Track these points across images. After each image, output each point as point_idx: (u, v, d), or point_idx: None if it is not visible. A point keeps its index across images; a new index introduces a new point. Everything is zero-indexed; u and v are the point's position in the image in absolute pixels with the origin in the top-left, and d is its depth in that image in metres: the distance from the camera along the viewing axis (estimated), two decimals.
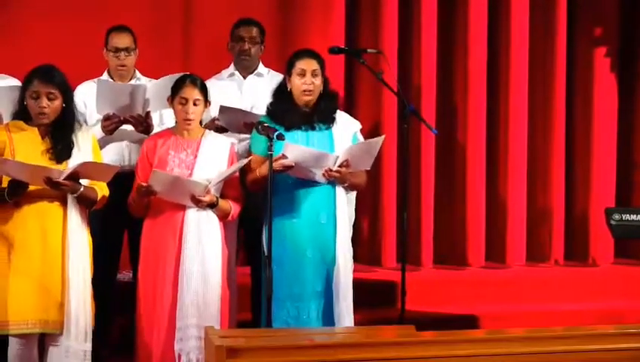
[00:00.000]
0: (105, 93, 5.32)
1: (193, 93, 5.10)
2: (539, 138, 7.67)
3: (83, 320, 4.81)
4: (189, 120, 5.11)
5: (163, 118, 5.61)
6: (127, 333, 5.26)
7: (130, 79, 5.70)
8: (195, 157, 5.14)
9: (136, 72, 5.75)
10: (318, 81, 5.28)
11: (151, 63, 6.13)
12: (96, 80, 5.62)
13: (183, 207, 5.07)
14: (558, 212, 7.68)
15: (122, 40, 5.63)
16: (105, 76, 5.71)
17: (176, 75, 5.22)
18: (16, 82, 5.27)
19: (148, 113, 5.39)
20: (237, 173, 5.21)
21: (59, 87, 4.82)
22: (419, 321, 4.76)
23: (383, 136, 5.42)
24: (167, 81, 5.29)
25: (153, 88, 5.38)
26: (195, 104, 5.10)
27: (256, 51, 5.94)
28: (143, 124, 5.39)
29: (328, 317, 5.22)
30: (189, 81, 5.14)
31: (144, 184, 4.97)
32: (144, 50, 5.86)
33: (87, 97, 5.46)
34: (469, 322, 6.39)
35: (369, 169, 5.38)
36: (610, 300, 6.93)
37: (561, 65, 7.61)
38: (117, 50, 5.61)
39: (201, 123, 5.26)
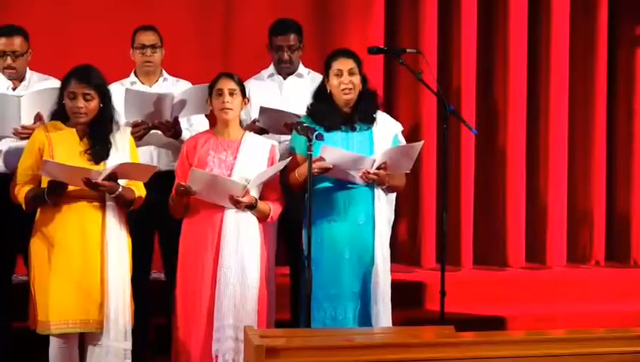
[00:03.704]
0: (132, 101, 5.35)
1: (228, 84, 5.12)
2: (579, 138, 7.63)
3: (122, 319, 4.84)
4: (227, 109, 5.11)
5: (192, 121, 5.63)
6: (163, 333, 5.28)
7: (157, 79, 5.74)
8: (235, 157, 5.14)
9: (163, 71, 5.78)
10: (356, 79, 5.27)
11: (191, 63, 6.18)
12: (122, 82, 5.67)
13: (222, 208, 5.07)
14: (599, 212, 7.63)
15: (148, 37, 5.68)
16: (132, 77, 5.75)
17: (205, 85, 5.25)
18: (58, 83, 5.30)
19: (176, 119, 5.42)
20: (277, 175, 5.22)
21: (96, 88, 4.85)
22: (458, 322, 4.75)
23: (422, 142, 5.40)
24: (195, 90, 5.36)
25: (180, 96, 5.39)
26: (231, 94, 5.11)
27: (296, 57, 5.95)
28: (171, 130, 5.42)
29: (365, 318, 5.21)
30: (224, 75, 5.19)
31: (182, 183, 5.00)
32: (184, 51, 5.89)
33: (115, 100, 5.46)
34: (508, 323, 6.36)
35: (408, 172, 5.37)
36: None
37: (602, 65, 7.56)
38: (143, 46, 5.66)
39: (241, 124, 5.28)
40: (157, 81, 5.75)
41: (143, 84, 5.72)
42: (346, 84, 5.24)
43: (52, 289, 4.76)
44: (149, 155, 5.59)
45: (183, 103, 5.39)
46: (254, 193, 5.11)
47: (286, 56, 5.90)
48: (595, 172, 7.62)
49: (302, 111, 5.41)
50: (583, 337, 4.37)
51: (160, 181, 5.19)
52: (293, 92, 5.90)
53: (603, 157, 7.65)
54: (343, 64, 5.26)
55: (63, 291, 4.76)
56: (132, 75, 5.76)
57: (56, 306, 4.75)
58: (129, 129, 5.21)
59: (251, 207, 5.08)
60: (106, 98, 4.91)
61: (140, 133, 5.39)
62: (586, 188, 7.66)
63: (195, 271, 5.08)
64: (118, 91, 5.46)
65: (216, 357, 4.99)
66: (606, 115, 7.63)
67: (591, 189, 7.63)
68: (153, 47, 5.67)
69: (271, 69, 5.99)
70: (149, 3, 6.83)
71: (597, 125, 7.59)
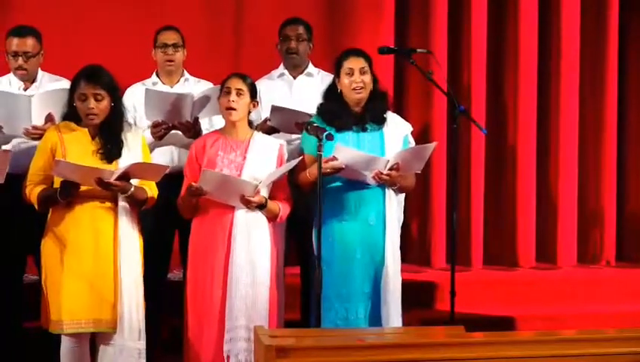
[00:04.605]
0: (152, 101, 5.36)
1: (236, 84, 5.12)
2: (590, 137, 7.62)
3: (136, 319, 4.86)
4: (231, 108, 5.11)
5: (212, 121, 5.63)
6: (178, 333, 5.29)
7: (179, 79, 5.76)
8: (244, 158, 5.15)
9: (185, 72, 5.80)
10: (367, 78, 5.28)
11: (202, 63, 6.18)
12: (144, 82, 5.69)
13: (232, 208, 5.08)
14: (610, 212, 7.62)
15: (170, 36, 5.71)
16: (153, 77, 5.77)
17: None
18: (70, 84, 5.33)
19: (196, 119, 5.43)
20: (286, 175, 5.23)
21: (105, 88, 4.85)
22: (468, 322, 4.75)
23: (435, 143, 5.41)
24: (215, 90, 5.34)
25: (200, 96, 5.40)
26: (238, 94, 5.11)
27: (304, 49, 5.96)
28: (191, 130, 5.43)
29: (376, 318, 5.21)
30: (235, 75, 5.20)
31: (194, 184, 5.00)
32: (195, 51, 5.91)
33: (137, 100, 5.50)
34: (519, 323, 6.35)
35: (419, 173, 5.37)
36: None
37: (613, 63, 7.55)
38: (165, 45, 5.68)
39: (250, 125, 5.29)
40: (178, 81, 5.76)
41: (164, 84, 5.74)
42: (357, 83, 5.25)
43: (64, 289, 4.77)
44: (169, 155, 5.61)
45: (203, 103, 5.40)
46: (264, 193, 5.12)
47: (293, 44, 5.90)
48: (605, 171, 7.60)
49: (312, 110, 5.41)
50: (594, 337, 4.37)
51: (180, 179, 5.20)
52: (303, 91, 5.90)
53: (614, 157, 7.63)
54: (355, 63, 5.27)
55: (76, 291, 4.77)
56: (154, 75, 5.78)
57: (68, 306, 4.77)
58: (141, 129, 5.23)
59: (261, 206, 5.09)
60: (116, 97, 4.92)
61: (160, 134, 5.40)
62: (596, 187, 7.64)
63: (205, 272, 5.09)
64: (139, 91, 5.49)
65: (228, 357, 5.00)
66: (617, 114, 7.61)
67: (602, 189, 7.62)
68: (175, 45, 5.69)
69: (281, 68, 6.00)
70: (160, 3, 6.84)
71: (607, 124, 7.58)
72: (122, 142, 4.91)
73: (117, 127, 4.91)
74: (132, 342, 4.85)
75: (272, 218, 5.16)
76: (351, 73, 5.26)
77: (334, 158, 5.07)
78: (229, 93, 5.11)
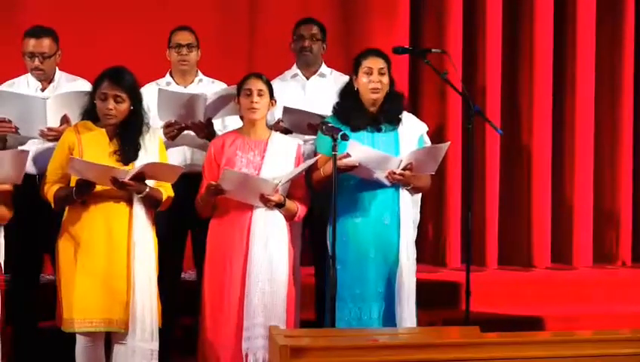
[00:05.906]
0: (165, 101, 5.37)
1: (257, 84, 5.14)
2: (605, 137, 7.60)
3: (149, 320, 4.86)
4: (254, 109, 5.13)
5: (226, 122, 5.64)
6: (191, 333, 5.29)
7: (193, 79, 5.77)
8: (263, 158, 5.16)
9: (199, 72, 5.81)
10: (385, 79, 5.27)
11: (216, 63, 6.19)
12: (158, 82, 5.70)
13: (250, 207, 5.09)
14: (626, 213, 7.60)
15: (184, 36, 5.72)
16: (167, 77, 5.78)
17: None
18: (87, 83, 5.34)
19: (209, 120, 5.43)
20: (303, 174, 5.24)
21: (127, 90, 4.87)
22: (484, 322, 4.72)
23: (448, 143, 5.40)
24: (229, 91, 5.36)
25: (213, 97, 5.41)
26: (259, 95, 5.14)
27: (317, 49, 5.96)
28: (204, 130, 5.43)
29: (390, 318, 5.21)
30: (253, 75, 5.22)
31: (214, 183, 5.01)
32: (209, 51, 5.93)
33: (150, 100, 5.50)
34: (534, 323, 6.34)
35: (433, 173, 5.36)
36: None
37: (629, 63, 7.54)
38: (179, 45, 5.69)
39: (267, 124, 5.29)
40: (192, 81, 5.77)
41: (178, 84, 5.75)
42: (375, 83, 5.25)
43: (77, 288, 4.79)
44: (182, 155, 5.62)
45: (216, 104, 5.40)
46: (282, 192, 5.12)
47: (307, 43, 5.91)
48: (621, 171, 7.58)
49: (325, 111, 5.41)
50: (609, 338, 4.36)
51: (193, 179, 5.21)
52: (316, 92, 5.91)
53: (629, 157, 7.61)
54: (374, 63, 5.27)
55: (88, 290, 4.79)
56: (167, 75, 5.79)
57: (80, 305, 4.78)
58: (159, 131, 5.24)
59: (280, 205, 5.10)
60: (137, 100, 4.93)
61: (172, 134, 5.41)
62: (612, 187, 7.62)
63: (223, 271, 5.09)
64: (153, 91, 5.49)
65: (247, 355, 5.00)
66: (632, 113, 7.59)
67: (617, 189, 7.60)
68: (189, 46, 5.70)
69: (294, 69, 6.01)
70: (174, 3, 6.86)
71: (623, 123, 7.56)
72: (139, 144, 4.92)
73: (135, 130, 4.93)
74: (144, 342, 4.85)
75: (289, 217, 5.17)
76: (370, 72, 5.26)
77: (347, 155, 5.07)
78: (250, 94, 5.13)
